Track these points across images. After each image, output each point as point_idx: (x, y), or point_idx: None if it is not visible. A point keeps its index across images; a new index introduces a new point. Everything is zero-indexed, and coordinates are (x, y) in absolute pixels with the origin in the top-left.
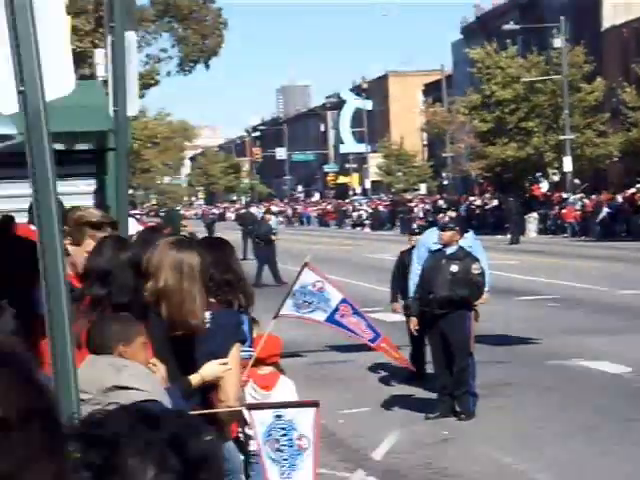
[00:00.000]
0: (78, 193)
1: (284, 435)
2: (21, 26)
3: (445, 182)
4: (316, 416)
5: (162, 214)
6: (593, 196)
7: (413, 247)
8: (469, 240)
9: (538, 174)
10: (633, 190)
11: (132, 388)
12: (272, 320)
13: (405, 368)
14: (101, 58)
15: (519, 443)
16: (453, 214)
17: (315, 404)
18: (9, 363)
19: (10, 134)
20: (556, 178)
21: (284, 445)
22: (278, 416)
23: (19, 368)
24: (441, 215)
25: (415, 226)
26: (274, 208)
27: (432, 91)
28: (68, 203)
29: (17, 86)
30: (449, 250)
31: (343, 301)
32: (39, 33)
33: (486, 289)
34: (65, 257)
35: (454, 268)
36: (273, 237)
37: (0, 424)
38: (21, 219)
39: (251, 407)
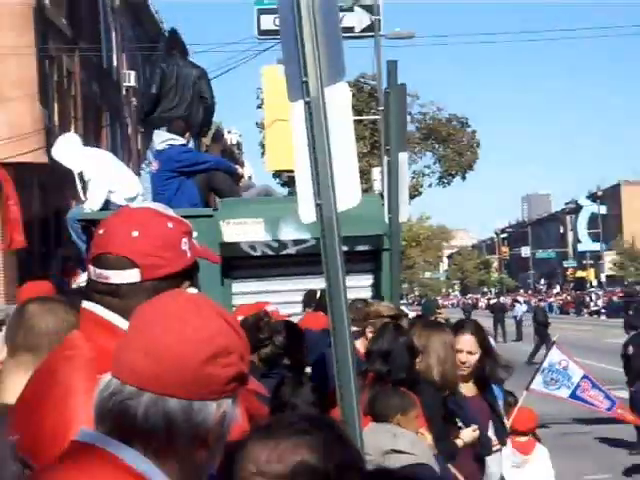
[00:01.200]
0: (358, 287)
1: None
2: (319, 151)
3: None
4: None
5: (422, 303)
6: None
7: None
8: None
9: None
10: None
11: (406, 452)
12: (524, 392)
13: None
14: (377, 175)
15: None
16: None
17: None
18: (325, 426)
19: (304, 238)
20: None
21: None
22: None
23: (334, 430)
24: None
25: None
26: (520, 298)
27: None
28: (351, 295)
29: (315, 199)
30: None
31: (584, 377)
32: (333, 156)
33: None
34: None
35: None
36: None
37: (322, 476)
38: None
39: None
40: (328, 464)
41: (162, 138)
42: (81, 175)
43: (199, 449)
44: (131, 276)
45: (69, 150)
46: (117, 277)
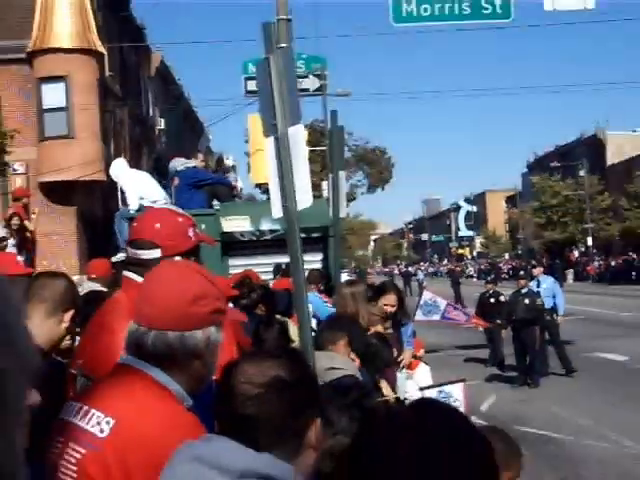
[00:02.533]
0: (312, 261)
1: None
2: (284, 170)
3: (519, 252)
4: (464, 388)
5: (357, 272)
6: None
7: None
8: (549, 283)
9: (572, 247)
10: (627, 256)
11: (340, 368)
12: (412, 323)
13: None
14: (325, 186)
15: (569, 401)
16: (538, 270)
17: (463, 380)
18: (291, 353)
19: (276, 229)
20: (583, 249)
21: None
22: (440, 391)
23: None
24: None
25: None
26: (421, 268)
27: (510, 201)
28: (307, 267)
29: (282, 202)
30: (523, 290)
31: (447, 304)
32: (294, 173)
33: (562, 313)
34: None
35: (526, 301)
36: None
37: (289, 385)
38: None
39: (423, 389)
40: (293, 377)
41: (180, 162)
42: (121, 189)
43: (195, 363)
44: (155, 253)
45: (118, 169)
46: (145, 255)
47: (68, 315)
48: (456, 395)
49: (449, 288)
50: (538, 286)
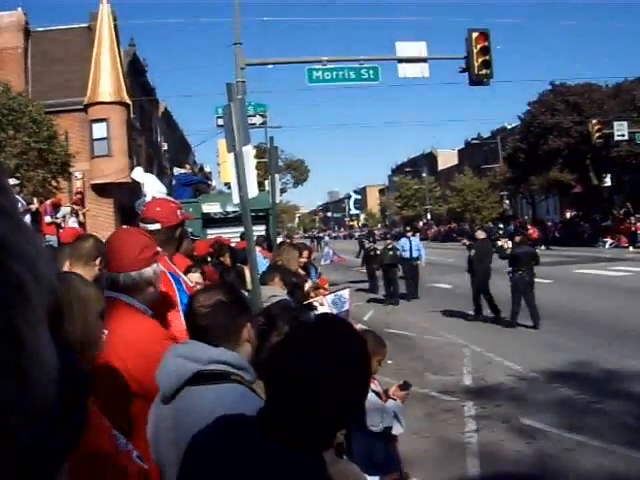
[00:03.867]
0: (259, 231)
1: (338, 299)
2: (240, 173)
3: (387, 223)
4: (349, 292)
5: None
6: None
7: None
8: (417, 240)
9: (418, 220)
10: (450, 225)
11: (279, 295)
12: (319, 268)
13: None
14: (267, 184)
15: (416, 312)
16: (410, 233)
17: (348, 287)
18: (233, 287)
19: (236, 210)
20: (425, 221)
21: (337, 302)
22: (336, 294)
23: (237, 290)
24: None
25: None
26: (328, 235)
27: (381, 192)
28: (255, 234)
29: (239, 193)
30: (389, 247)
31: (333, 253)
32: (247, 176)
33: (424, 258)
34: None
35: (390, 253)
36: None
37: (220, 303)
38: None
39: (327, 294)
40: (227, 299)
41: (177, 170)
42: (142, 186)
43: (149, 288)
44: (156, 226)
45: (139, 174)
46: (151, 227)
47: (98, 260)
48: (346, 296)
49: (349, 245)
50: (410, 242)
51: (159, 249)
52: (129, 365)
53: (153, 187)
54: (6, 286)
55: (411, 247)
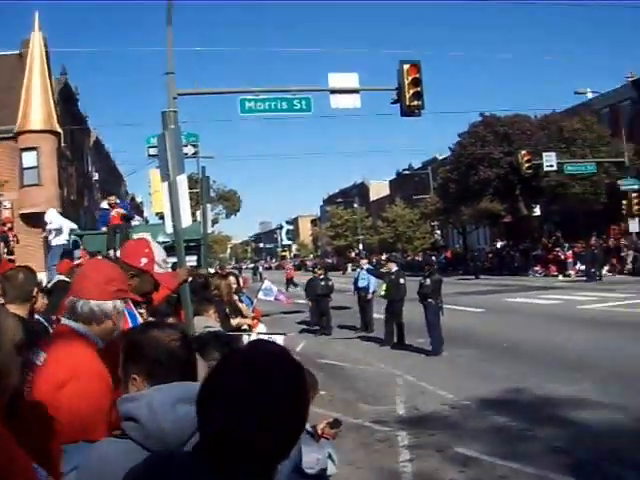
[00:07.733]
0: (191, 260)
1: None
2: (174, 202)
3: (319, 254)
4: (284, 338)
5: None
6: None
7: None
8: (365, 272)
9: (350, 249)
10: (380, 255)
11: (212, 327)
12: (256, 299)
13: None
14: (198, 215)
15: (350, 344)
16: (363, 262)
17: (284, 334)
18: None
19: (167, 240)
20: (357, 251)
21: None
22: (269, 338)
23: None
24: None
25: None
26: (261, 264)
27: (313, 222)
28: (188, 265)
29: (172, 222)
30: (320, 277)
31: (278, 290)
32: (180, 205)
33: (371, 290)
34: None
35: (322, 283)
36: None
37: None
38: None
39: (259, 334)
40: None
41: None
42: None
43: (108, 322)
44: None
45: (51, 215)
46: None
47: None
48: (279, 342)
49: (281, 276)
50: (359, 273)
51: (127, 288)
52: (63, 389)
53: (67, 225)
54: None
55: (358, 278)
